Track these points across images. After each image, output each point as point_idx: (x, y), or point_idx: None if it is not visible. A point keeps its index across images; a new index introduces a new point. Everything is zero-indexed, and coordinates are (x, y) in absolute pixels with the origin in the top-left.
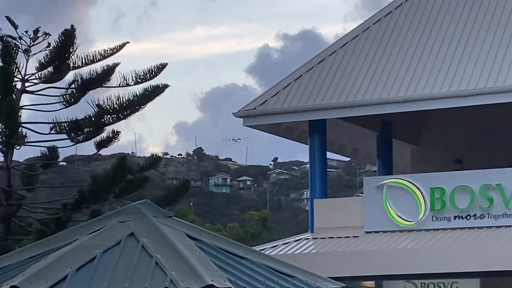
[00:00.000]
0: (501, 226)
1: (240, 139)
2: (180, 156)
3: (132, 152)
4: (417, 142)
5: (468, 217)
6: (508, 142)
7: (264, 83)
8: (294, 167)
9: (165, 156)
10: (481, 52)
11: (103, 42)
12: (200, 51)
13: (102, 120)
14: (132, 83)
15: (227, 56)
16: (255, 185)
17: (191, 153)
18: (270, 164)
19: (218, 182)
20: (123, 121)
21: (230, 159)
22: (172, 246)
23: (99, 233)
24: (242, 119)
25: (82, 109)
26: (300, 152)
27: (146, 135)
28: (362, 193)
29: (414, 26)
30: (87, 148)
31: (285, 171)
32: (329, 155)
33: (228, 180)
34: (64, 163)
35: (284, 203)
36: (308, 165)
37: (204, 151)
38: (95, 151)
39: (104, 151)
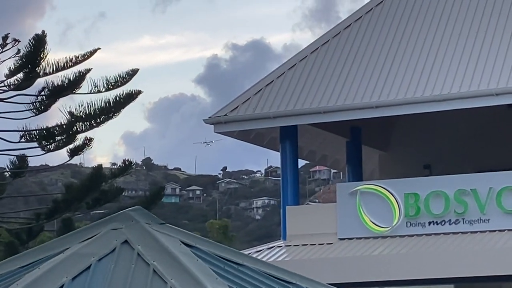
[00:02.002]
0: (476, 232)
1: (212, 141)
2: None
3: (80, 163)
4: (386, 148)
5: (443, 222)
6: (477, 147)
7: (213, 93)
8: (244, 176)
9: (113, 167)
10: (453, 58)
11: (52, 54)
12: (147, 61)
13: (75, 127)
14: (103, 90)
15: (175, 65)
16: (205, 194)
17: (140, 163)
18: (219, 174)
19: (167, 192)
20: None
21: (179, 169)
22: (169, 254)
23: (92, 241)
24: (212, 126)
25: (53, 117)
26: (249, 162)
27: (94, 145)
28: (312, 202)
29: (384, 32)
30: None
31: (235, 180)
32: (277, 163)
33: (177, 190)
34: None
35: (234, 212)
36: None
37: (152, 161)
38: (44, 161)
39: (52, 162)
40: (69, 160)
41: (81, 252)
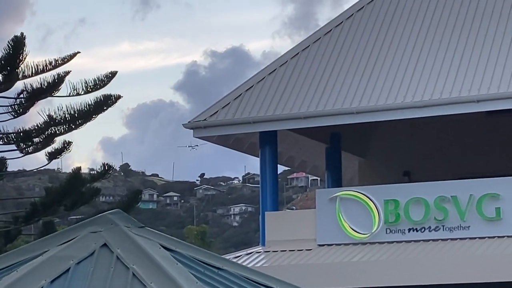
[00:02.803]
0: (456, 239)
1: (197, 145)
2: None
3: (58, 168)
4: (365, 154)
5: (423, 229)
6: (456, 154)
7: (192, 100)
8: (221, 183)
9: (91, 172)
10: (434, 64)
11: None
12: (125, 67)
13: (53, 130)
14: (82, 93)
15: (153, 72)
16: (182, 201)
17: (118, 169)
18: (197, 180)
19: (144, 198)
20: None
21: (157, 175)
22: (148, 257)
23: (70, 244)
24: (192, 130)
25: (31, 120)
26: (227, 168)
27: (72, 151)
28: (289, 209)
29: (365, 37)
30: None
31: (212, 187)
32: (257, 170)
33: (155, 196)
34: None
35: (211, 219)
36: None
37: (130, 167)
38: (22, 166)
39: (29, 167)
40: (47, 164)
41: (59, 255)
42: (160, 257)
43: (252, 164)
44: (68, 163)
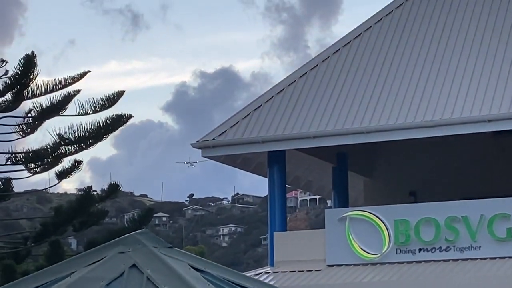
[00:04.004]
0: (467, 259)
1: (196, 162)
2: (95, 193)
3: (46, 189)
4: (371, 174)
5: (434, 249)
6: (463, 174)
7: (182, 121)
8: (210, 203)
9: (79, 193)
10: (444, 84)
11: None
12: (113, 87)
13: (64, 150)
14: (91, 112)
15: (141, 91)
16: (171, 221)
17: (106, 189)
18: (186, 201)
19: (133, 218)
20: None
21: (146, 195)
22: (179, 278)
23: (99, 264)
24: (200, 150)
25: (38, 140)
26: (216, 189)
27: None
28: None
29: (374, 57)
30: None
31: (201, 207)
32: (246, 190)
33: None
34: None
35: (200, 239)
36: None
37: (120, 187)
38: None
39: (17, 188)
40: (57, 183)
41: (89, 276)
42: (191, 278)
43: (241, 185)
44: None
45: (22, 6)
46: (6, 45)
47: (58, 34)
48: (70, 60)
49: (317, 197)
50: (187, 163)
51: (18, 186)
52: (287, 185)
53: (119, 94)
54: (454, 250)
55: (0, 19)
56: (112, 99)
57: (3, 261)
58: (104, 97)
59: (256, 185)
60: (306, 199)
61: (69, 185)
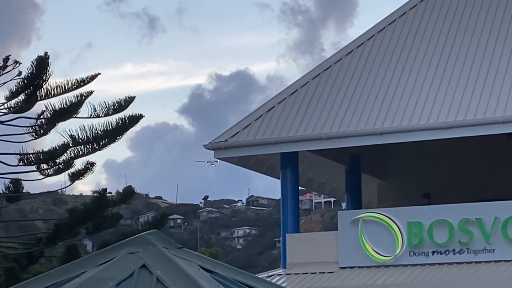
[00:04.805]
0: (481, 262)
1: (217, 161)
2: (110, 195)
3: (61, 191)
4: (384, 176)
5: (447, 252)
6: (477, 176)
7: (197, 124)
8: (225, 205)
9: (94, 195)
10: (458, 85)
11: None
12: (128, 88)
13: (77, 151)
14: (102, 115)
15: (157, 94)
16: (186, 223)
17: (121, 191)
18: (201, 203)
19: (148, 221)
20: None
21: (161, 198)
22: (189, 279)
23: (108, 265)
24: (213, 151)
25: (50, 142)
26: (230, 191)
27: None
28: None
29: (387, 58)
30: None
31: (216, 210)
32: (260, 193)
33: None
34: None
35: (215, 241)
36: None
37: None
38: (25, 189)
39: (33, 190)
40: (70, 185)
41: (98, 276)
42: (201, 279)
43: (256, 187)
44: (71, 186)
45: (39, 9)
46: (23, 48)
47: (75, 37)
48: (87, 63)
49: (332, 199)
50: (207, 162)
51: (34, 188)
52: (300, 187)
53: (130, 100)
54: (467, 253)
55: (18, 22)
56: (123, 104)
57: (14, 262)
58: (115, 102)
59: (271, 188)
60: (321, 202)
61: (85, 187)
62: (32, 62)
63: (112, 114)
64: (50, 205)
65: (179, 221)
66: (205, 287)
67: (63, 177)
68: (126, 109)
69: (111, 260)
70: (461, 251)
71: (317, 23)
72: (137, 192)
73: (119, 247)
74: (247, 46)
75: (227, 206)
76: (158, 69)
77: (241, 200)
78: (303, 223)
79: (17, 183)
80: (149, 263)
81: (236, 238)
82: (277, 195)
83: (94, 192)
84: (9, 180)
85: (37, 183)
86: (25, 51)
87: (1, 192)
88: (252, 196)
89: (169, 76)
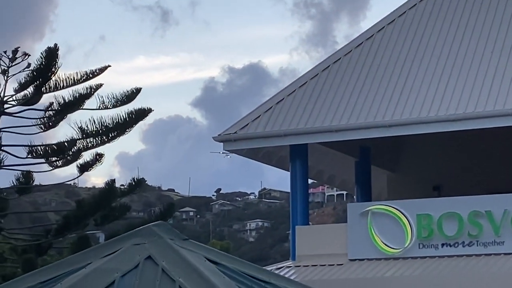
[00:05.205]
0: (490, 254)
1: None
2: (123, 187)
3: (74, 183)
4: (394, 168)
5: (457, 244)
6: (488, 169)
7: (210, 116)
8: (237, 198)
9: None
10: (468, 77)
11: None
12: (140, 81)
13: (86, 143)
14: (111, 106)
15: (169, 86)
16: (198, 216)
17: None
18: (213, 195)
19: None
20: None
21: (173, 190)
22: (194, 270)
23: (114, 256)
24: (222, 143)
25: (59, 134)
26: (243, 184)
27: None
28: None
29: (397, 49)
30: None
31: (228, 202)
32: (273, 185)
33: None
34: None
35: (227, 234)
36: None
37: (146, 182)
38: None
39: (45, 181)
40: (78, 177)
41: (104, 268)
42: (206, 270)
43: (268, 180)
44: (84, 178)
45: (53, 2)
46: (37, 41)
47: (88, 30)
48: (100, 56)
49: (344, 192)
50: (222, 152)
51: (47, 181)
52: (310, 180)
53: (137, 91)
54: (477, 245)
55: (31, 15)
56: (130, 96)
57: (23, 254)
58: (122, 93)
59: (283, 180)
60: (333, 195)
61: (98, 180)
62: (42, 54)
63: (120, 105)
64: (63, 198)
65: (191, 213)
66: (211, 279)
67: (76, 169)
68: (135, 101)
69: (117, 252)
70: (470, 244)
71: (330, 16)
72: (149, 184)
73: (125, 238)
74: (260, 39)
75: (239, 199)
76: (171, 61)
77: (253, 193)
78: (316, 216)
79: (27, 175)
80: (154, 255)
81: (248, 231)
82: (289, 188)
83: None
84: (20, 172)
85: (49, 176)
86: (39, 44)
87: (12, 184)
88: (264, 188)
89: (182, 69)
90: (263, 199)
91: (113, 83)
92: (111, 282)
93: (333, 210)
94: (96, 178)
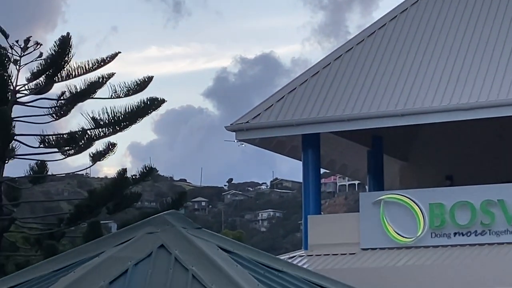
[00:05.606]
0: (503, 243)
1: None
2: (135, 177)
3: (87, 173)
4: (406, 157)
5: (469, 233)
6: (500, 158)
7: (222, 107)
8: (249, 188)
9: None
10: (480, 66)
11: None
12: (152, 71)
13: (98, 132)
14: (123, 95)
15: (181, 76)
16: (210, 206)
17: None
18: (225, 185)
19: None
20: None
21: (185, 180)
22: (207, 259)
23: (127, 244)
24: (234, 133)
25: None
26: (254, 174)
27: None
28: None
29: (410, 39)
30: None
31: (240, 192)
32: (285, 175)
33: None
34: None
35: (239, 224)
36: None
37: (158, 172)
38: (50, 171)
39: (58, 172)
40: (91, 166)
41: (117, 256)
42: (219, 259)
43: (280, 170)
44: (96, 168)
45: None
46: (49, 32)
47: (100, 21)
48: (112, 46)
49: (356, 182)
50: (236, 141)
51: (59, 171)
52: (322, 169)
53: (149, 80)
54: (490, 234)
55: (43, 5)
56: (141, 84)
57: (36, 243)
58: (135, 82)
59: (295, 170)
60: (345, 184)
61: (110, 170)
62: (55, 43)
63: (132, 94)
64: (75, 188)
65: (203, 203)
66: (224, 267)
67: (88, 159)
68: (147, 91)
69: (130, 240)
70: (483, 233)
71: (342, 6)
72: (161, 175)
73: (138, 227)
74: (272, 29)
75: (251, 189)
76: (183, 52)
77: (265, 183)
78: (327, 206)
79: (42, 164)
80: (167, 243)
81: (260, 221)
82: (301, 178)
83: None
84: (35, 161)
85: (62, 166)
86: (51, 35)
87: (26, 173)
88: (276, 178)
89: (194, 59)
90: (275, 189)
91: (124, 73)
92: (124, 271)
93: (345, 200)
94: (108, 168)
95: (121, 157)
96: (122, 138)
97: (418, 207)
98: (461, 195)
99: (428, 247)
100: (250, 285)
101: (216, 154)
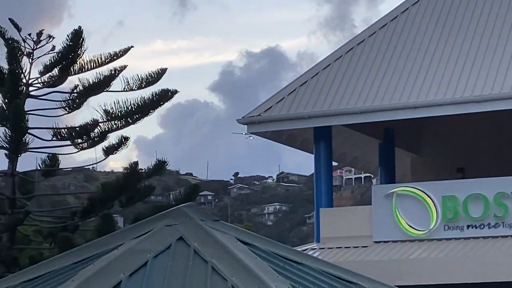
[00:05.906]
0: None
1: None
2: (141, 171)
3: (93, 167)
4: (418, 150)
5: (482, 226)
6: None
7: (228, 101)
8: (255, 182)
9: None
10: (493, 58)
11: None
12: (158, 65)
13: (111, 125)
14: (135, 88)
15: (186, 70)
16: (216, 200)
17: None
18: (231, 179)
19: (179, 197)
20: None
21: (191, 174)
22: (226, 251)
23: (146, 237)
24: (246, 126)
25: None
26: (260, 167)
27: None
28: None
29: (421, 32)
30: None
31: (246, 186)
32: (291, 169)
33: None
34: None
35: (246, 218)
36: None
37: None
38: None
39: (65, 165)
40: (104, 159)
41: (136, 248)
42: (238, 251)
43: (286, 164)
44: (102, 162)
45: None
46: (55, 26)
47: (106, 15)
48: (118, 41)
49: (362, 175)
50: (245, 134)
51: (66, 165)
52: (333, 162)
53: (162, 71)
54: (503, 227)
55: (49, 0)
56: (155, 76)
57: (49, 236)
58: (148, 74)
59: (301, 164)
60: (351, 178)
61: (116, 164)
62: (68, 36)
63: (145, 87)
64: (81, 182)
65: (209, 197)
66: (243, 259)
67: (95, 153)
68: (159, 82)
69: (148, 233)
70: (496, 225)
71: None
72: (168, 168)
73: (156, 219)
74: (277, 23)
75: (257, 183)
76: (188, 46)
77: (271, 177)
78: (334, 199)
79: (54, 158)
80: (186, 236)
81: (266, 215)
82: (308, 171)
83: (125, 168)
84: (46, 154)
85: (69, 160)
86: (57, 29)
87: (37, 167)
88: (282, 172)
89: (200, 53)
90: (281, 183)
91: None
92: (144, 263)
93: (351, 194)
94: (114, 162)
95: (128, 151)
96: (128, 133)
97: (431, 199)
98: (474, 188)
99: (441, 240)
100: (269, 277)
101: (222, 148)
